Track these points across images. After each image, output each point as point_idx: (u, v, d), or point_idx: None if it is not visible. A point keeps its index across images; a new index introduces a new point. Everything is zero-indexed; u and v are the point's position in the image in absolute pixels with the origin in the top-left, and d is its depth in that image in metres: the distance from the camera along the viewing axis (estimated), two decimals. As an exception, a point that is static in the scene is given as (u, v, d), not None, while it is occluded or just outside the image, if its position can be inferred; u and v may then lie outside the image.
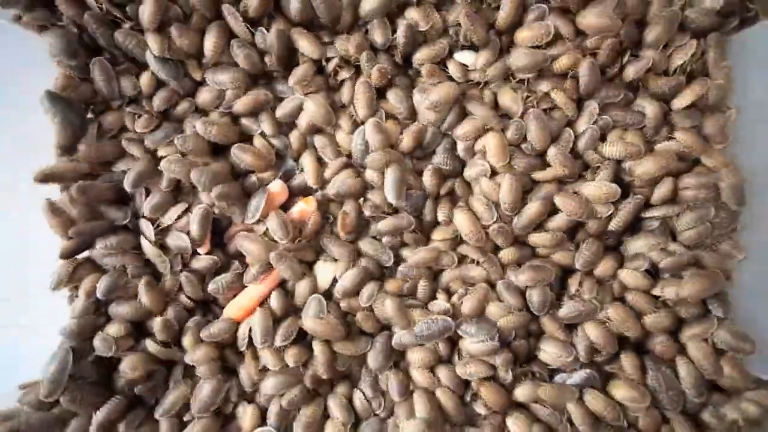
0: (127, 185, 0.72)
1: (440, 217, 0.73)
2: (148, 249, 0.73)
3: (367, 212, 0.74)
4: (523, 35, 0.71)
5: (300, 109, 0.74)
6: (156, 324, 0.71)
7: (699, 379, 0.69)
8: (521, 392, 0.71)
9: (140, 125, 0.74)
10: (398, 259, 0.75)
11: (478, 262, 0.72)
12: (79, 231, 0.70)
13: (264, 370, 0.72)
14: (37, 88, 0.70)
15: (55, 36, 0.69)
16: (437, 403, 0.71)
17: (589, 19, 0.69)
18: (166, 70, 0.72)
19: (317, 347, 0.71)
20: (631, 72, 0.71)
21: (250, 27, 0.72)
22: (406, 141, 0.73)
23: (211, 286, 0.73)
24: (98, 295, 0.70)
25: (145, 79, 0.73)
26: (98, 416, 0.68)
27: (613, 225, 0.71)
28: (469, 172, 0.74)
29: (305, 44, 0.72)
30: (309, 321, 0.70)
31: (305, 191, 0.76)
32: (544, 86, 0.72)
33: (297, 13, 0.71)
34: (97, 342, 0.70)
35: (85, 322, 0.71)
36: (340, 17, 0.72)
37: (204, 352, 0.71)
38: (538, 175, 0.72)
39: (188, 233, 0.72)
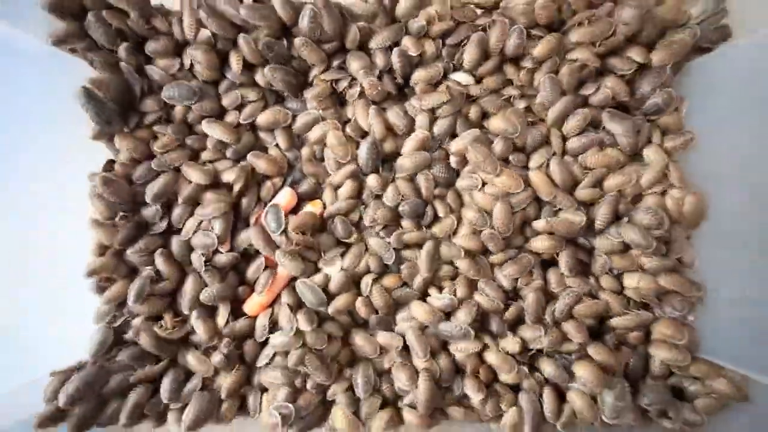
0: (148, 198, 0.79)
1: (440, 212, 0.81)
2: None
3: (366, 221, 0.81)
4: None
5: (312, 123, 0.82)
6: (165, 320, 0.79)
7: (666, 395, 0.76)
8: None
9: (159, 144, 0.81)
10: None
11: (473, 279, 0.80)
12: (119, 244, 0.78)
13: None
14: (35, 89, 0.76)
15: (108, 80, 0.78)
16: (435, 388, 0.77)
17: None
18: (182, 93, 0.79)
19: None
20: (601, 96, 0.79)
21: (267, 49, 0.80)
22: (412, 144, 0.80)
23: (203, 295, 0.78)
24: (130, 302, 0.76)
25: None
26: (128, 402, 0.76)
27: (600, 223, 0.78)
28: (461, 184, 0.81)
29: (311, 55, 0.79)
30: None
31: (312, 196, 0.84)
32: (522, 103, 0.80)
33: (307, 31, 0.78)
34: (144, 342, 0.77)
35: (108, 331, 0.78)
36: (345, 34, 0.80)
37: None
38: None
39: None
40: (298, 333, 0.77)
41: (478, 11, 0.81)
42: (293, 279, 0.82)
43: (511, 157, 0.80)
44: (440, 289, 0.81)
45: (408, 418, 0.77)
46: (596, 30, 0.76)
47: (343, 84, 0.82)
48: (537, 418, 0.75)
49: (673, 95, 0.77)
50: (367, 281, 0.80)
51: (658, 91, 0.78)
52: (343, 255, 0.81)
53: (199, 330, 0.79)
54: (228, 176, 0.82)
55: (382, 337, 0.79)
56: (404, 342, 0.79)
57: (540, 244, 0.78)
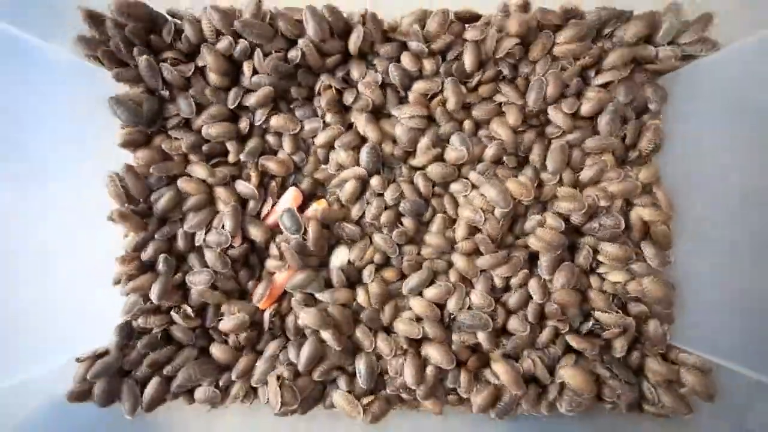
0: (156, 212, 0.83)
1: (438, 210, 0.86)
2: None
3: (369, 218, 0.86)
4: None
5: (319, 128, 0.87)
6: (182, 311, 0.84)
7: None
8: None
9: (168, 146, 0.85)
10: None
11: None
12: (142, 242, 0.84)
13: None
14: (31, 88, 0.78)
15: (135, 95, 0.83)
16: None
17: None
18: (183, 108, 0.84)
19: None
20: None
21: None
22: (421, 156, 0.85)
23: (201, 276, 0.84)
24: (154, 299, 0.81)
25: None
26: (145, 395, 0.81)
27: (575, 220, 0.83)
28: (454, 188, 0.86)
29: (313, 59, 0.83)
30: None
31: (313, 195, 0.90)
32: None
33: (314, 30, 0.81)
34: (178, 333, 0.83)
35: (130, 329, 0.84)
36: (348, 36, 0.84)
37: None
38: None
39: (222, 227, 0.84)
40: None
41: (467, 26, 0.85)
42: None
43: (504, 157, 0.86)
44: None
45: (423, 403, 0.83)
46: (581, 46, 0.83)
47: (350, 97, 0.86)
48: (508, 406, 0.81)
49: (664, 89, 0.82)
50: (370, 269, 0.85)
51: (648, 88, 0.83)
52: (349, 249, 0.87)
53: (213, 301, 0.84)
54: (241, 186, 0.87)
55: (403, 324, 0.84)
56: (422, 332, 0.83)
57: (532, 241, 0.83)
